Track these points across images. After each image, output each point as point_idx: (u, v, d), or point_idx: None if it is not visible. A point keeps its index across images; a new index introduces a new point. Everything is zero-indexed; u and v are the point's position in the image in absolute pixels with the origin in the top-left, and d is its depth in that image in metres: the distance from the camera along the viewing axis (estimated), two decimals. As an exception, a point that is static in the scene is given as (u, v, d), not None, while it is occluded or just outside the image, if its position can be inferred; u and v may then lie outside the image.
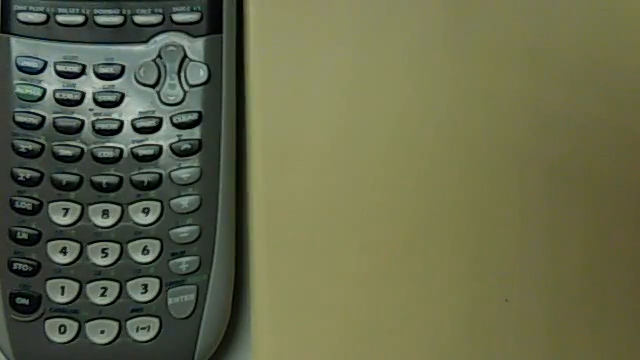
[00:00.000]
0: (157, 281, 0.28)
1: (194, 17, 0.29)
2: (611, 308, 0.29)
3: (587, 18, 0.30)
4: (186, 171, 0.29)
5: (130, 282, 0.28)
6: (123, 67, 0.29)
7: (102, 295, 0.28)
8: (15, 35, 0.29)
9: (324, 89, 0.30)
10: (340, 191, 0.30)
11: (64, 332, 0.28)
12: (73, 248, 0.28)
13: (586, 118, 0.30)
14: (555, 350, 0.29)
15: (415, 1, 0.30)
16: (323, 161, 0.30)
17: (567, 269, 0.29)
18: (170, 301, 0.28)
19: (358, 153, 0.30)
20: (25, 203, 0.28)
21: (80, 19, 0.29)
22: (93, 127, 0.29)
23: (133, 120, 0.29)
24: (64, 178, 0.29)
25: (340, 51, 0.30)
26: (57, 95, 0.29)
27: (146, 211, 0.29)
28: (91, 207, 0.29)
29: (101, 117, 0.29)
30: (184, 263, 0.29)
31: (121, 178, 0.29)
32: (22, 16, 0.29)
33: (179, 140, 0.29)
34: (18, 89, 0.29)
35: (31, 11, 0.29)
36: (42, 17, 0.29)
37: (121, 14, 0.29)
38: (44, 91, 0.29)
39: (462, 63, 0.30)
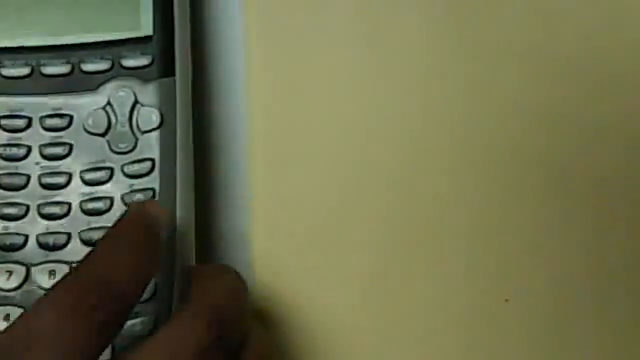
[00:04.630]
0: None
1: (144, 61, 0.28)
2: (612, 309, 0.29)
3: (592, 18, 0.31)
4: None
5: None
6: (71, 117, 0.27)
7: None
8: (-41, 91, 0.28)
9: (324, 89, 0.31)
10: (341, 191, 0.30)
11: None
12: (16, 312, 0.26)
13: (590, 118, 0.30)
14: (555, 350, 0.29)
15: (416, 1, 0.31)
16: (324, 161, 0.30)
17: (567, 269, 0.29)
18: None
19: (358, 153, 0.30)
20: (-33, 267, 0.26)
21: (26, 70, 0.28)
22: (39, 181, 0.27)
23: (81, 172, 0.27)
24: (7, 240, 0.26)
25: (340, 51, 0.31)
26: (1, 150, 0.27)
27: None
28: (36, 268, 0.26)
29: (47, 171, 0.27)
30: (138, 324, 0.26)
31: (69, 235, 0.26)
32: (-34, 72, 0.28)
33: (131, 191, 0.27)
34: (-38, 147, 0.27)
35: (-25, 66, 0.28)
36: (-14, 72, 0.28)
37: (68, 63, 0.28)
38: (-12, 148, 0.27)
39: (465, 63, 0.31)
